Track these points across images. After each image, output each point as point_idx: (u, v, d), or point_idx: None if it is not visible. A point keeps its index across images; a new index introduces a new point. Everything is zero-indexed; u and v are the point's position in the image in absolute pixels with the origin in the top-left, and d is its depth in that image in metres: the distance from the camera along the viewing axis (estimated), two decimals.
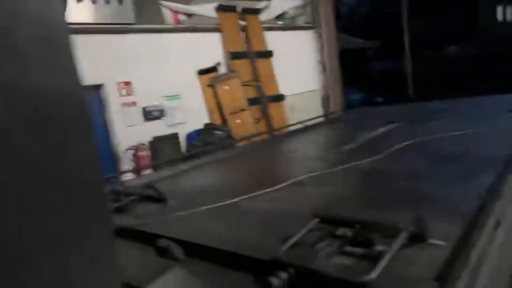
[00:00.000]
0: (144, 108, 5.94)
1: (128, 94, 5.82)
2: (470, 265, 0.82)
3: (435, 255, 1.09)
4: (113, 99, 5.75)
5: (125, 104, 5.80)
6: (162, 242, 0.62)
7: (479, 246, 0.90)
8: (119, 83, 5.79)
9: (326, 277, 0.96)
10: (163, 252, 0.62)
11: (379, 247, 1.18)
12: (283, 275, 1.01)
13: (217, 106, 6.74)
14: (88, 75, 5.71)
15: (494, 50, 21.93)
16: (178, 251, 0.57)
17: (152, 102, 6.05)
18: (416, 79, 20.70)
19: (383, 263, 0.93)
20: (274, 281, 0.99)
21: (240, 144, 4.58)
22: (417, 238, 1.18)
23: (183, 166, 3.26)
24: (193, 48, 6.63)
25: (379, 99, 14.23)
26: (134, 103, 5.86)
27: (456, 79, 21.08)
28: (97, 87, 5.72)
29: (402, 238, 1.05)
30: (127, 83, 5.83)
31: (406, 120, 4.24)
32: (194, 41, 6.67)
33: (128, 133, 5.80)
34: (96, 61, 5.55)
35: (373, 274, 0.89)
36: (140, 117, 5.94)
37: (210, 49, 6.91)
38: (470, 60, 22.67)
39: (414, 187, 1.84)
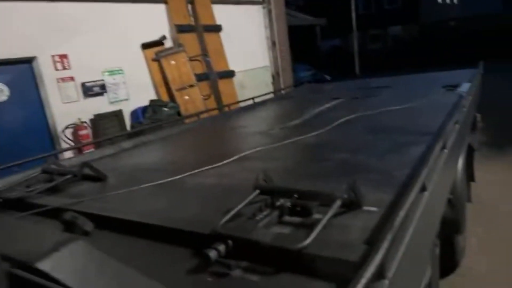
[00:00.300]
0: (83, 84, 5.55)
1: (65, 68, 5.39)
2: (395, 227, 0.86)
3: (368, 220, 1.15)
4: (48, 73, 5.30)
5: (61, 79, 5.37)
6: (67, 215, 0.58)
7: (405, 209, 0.95)
8: (53, 56, 5.33)
9: (263, 246, 0.97)
10: (69, 226, 0.58)
11: (316, 216, 1.21)
12: (221, 247, 1.00)
13: (164, 82, 6.50)
14: (18, 46, 5.21)
15: (433, 30, 23.30)
16: (86, 224, 0.53)
17: (92, 77, 5.66)
18: (363, 57, 21.50)
19: (317, 230, 0.96)
20: (211, 253, 0.97)
21: (188, 120, 4.48)
22: (353, 205, 1.24)
23: (127, 144, 3.13)
24: (136, 20, 6.26)
25: (328, 77, 14.60)
26: (71, 78, 5.45)
27: (399, 57, 22.24)
28: (29, 60, 5.23)
29: (336, 205, 1.09)
30: (63, 56, 5.39)
31: (350, 96, 4.40)
32: (137, 13, 6.28)
33: (66, 110, 5.41)
34: (27, 31, 5.05)
35: (307, 241, 0.91)
36: (79, 93, 5.55)
37: (154, 21, 6.57)
38: (412, 39, 23.98)
39: (353, 159, 1.91)
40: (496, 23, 19.77)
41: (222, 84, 7.27)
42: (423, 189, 1.18)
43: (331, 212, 1.05)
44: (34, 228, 0.49)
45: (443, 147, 1.61)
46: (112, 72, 5.90)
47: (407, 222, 0.98)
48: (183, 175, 1.94)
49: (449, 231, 2.59)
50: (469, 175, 3.45)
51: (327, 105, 3.93)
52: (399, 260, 0.86)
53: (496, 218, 3.94)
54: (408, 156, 1.78)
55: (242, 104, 4.94)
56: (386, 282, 0.77)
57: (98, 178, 2.08)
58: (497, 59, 15.99)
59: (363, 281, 0.69)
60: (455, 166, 2.42)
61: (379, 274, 0.78)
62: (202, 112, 4.61)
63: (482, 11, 21.58)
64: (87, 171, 2.06)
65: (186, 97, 6.49)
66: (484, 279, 2.99)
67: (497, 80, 10.67)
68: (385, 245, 0.78)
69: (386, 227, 0.87)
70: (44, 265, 0.40)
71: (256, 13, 8.44)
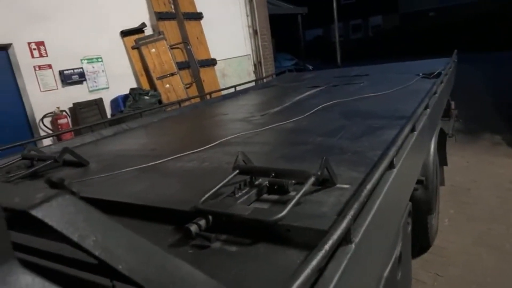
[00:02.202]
0: (61, 72, 5.43)
1: (42, 56, 5.26)
2: (362, 198, 0.93)
3: (340, 196, 1.23)
4: (24, 61, 5.17)
5: (38, 67, 5.25)
6: (54, 178, 0.59)
7: (372, 183, 1.03)
8: (30, 43, 5.20)
9: (241, 220, 1.02)
10: (57, 187, 0.61)
11: (292, 193, 1.28)
12: (202, 222, 1.05)
13: (145, 70, 6.42)
14: None
15: (412, 20, 23.67)
16: (72, 186, 0.57)
17: (70, 64, 5.55)
18: (344, 46, 21.68)
19: (291, 204, 1.02)
20: (193, 227, 1.02)
21: (170, 109, 4.47)
22: (328, 183, 1.31)
23: (108, 132, 3.13)
24: (115, 7, 6.14)
25: (310, 67, 14.69)
26: (49, 66, 5.33)
27: (380, 46, 22.54)
28: (4, 48, 5.08)
29: (310, 182, 1.15)
30: (40, 43, 5.25)
31: (330, 84, 4.49)
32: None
33: (45, 99, 5.30)
34: (1, 17, 4.90)
35: (282, 213, 0.97)
36: (58, 82, 5.44)
37: (133, 8, 6.46)
38: (392, 29, 24.32)
39: (329, 142, 1.99)
40: (471, 13, 20.19)
41: (203, 73, 7.25)
42: (391, 166, 1.26)
43: (305, 188, 1.11)
44: (26, 188, 0.54)
45: (413, 130, 1.70)
46: (91, 60, 5.80)
47: (374, 195, 1.06)
48: (164, 159, 1.98)
49: (422, 211, 2.73)
50: (442, 159, 3.59)
51: (307, 93, 4.01)
52: (365, 228, 0.94)
53: (467, 201, 4.14)
54: (381, 138, 1.87)
55: (224, 92, 4.97)
56: (352, 246, 0.85)
57: (79, 163, 2.09)
58: (472, 48, 16.40)
59: (330, 242, 0.75)
60: (426, 149, 2.54)
61: (347, 239, 0.85)
62: (183, 100, 4.61)
63: (459, 1, 21.98)
64: (68, 156, 2.07)
65: (167, 86, 6.45)
66: (455, 257, 3.16)
67: (472, 70, 10.98)
68: (351, 212, 0.85)
69: (354, 198, 0.94)
70: (37, 213, 0.45)
71: (237, 1, 8.39)
